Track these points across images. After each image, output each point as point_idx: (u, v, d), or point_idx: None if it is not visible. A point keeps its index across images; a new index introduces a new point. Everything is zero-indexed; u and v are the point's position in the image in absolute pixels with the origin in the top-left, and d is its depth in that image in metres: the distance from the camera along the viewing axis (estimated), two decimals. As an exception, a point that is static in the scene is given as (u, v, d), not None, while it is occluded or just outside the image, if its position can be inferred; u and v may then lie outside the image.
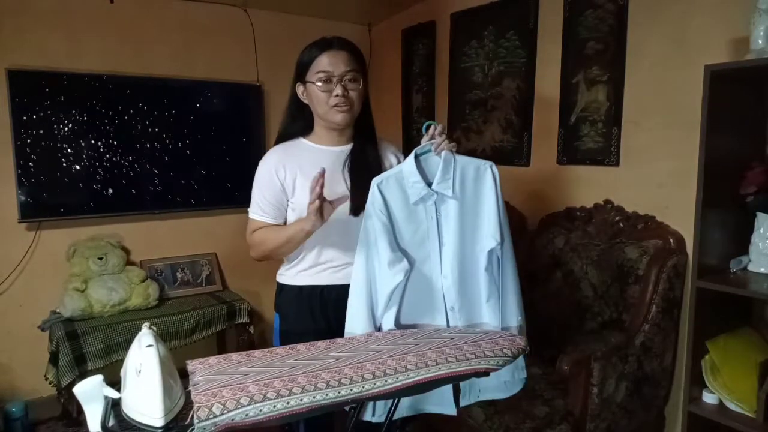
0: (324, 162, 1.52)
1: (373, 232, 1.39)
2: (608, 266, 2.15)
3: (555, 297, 2.34)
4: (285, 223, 1.57)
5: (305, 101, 1.55)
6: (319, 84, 1.47)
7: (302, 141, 1.58)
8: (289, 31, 3.30)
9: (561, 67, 2.47)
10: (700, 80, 1.67)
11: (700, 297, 1.73)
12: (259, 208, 1.55)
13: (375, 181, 1.41)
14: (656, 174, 2.14)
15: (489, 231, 1.41)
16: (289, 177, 1.51)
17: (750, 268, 1.78)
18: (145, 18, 2.96)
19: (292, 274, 1.58)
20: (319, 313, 1.55)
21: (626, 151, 2.25)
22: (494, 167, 1.44)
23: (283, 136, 1.60)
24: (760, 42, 1.63)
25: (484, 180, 1.43)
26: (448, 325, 1.45)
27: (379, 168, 1.56)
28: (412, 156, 1.42)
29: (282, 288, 1.61)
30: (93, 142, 2.81)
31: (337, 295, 1.51)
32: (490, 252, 1.40)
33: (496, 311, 1.42)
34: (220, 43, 3.19)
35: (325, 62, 1.47)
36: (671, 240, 2.04)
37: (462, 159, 1.44)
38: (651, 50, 2.14)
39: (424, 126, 1.46)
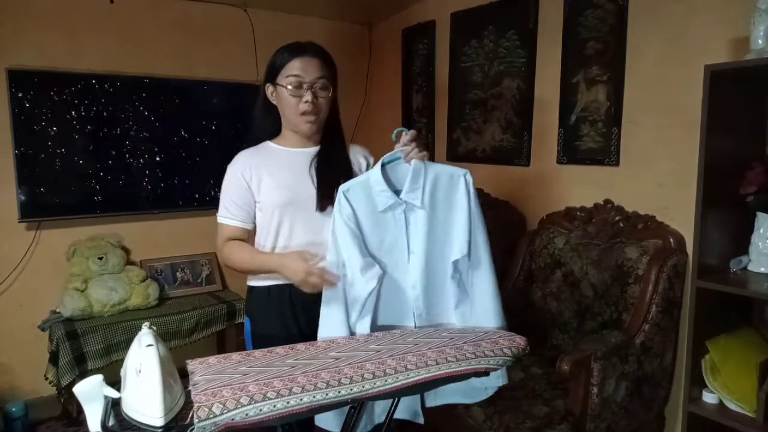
0: (291, 162, 1.53)
1: (343, 240, 1.36)
2: (608, 266, 2.15)
3: (555, 297, 2.35)
4: (254, 225, 1.57)
5: (274, 102, 1.56)
6: (290, 88, 1.48)
7: (269, 144, 1.59)
8: (289, 31, 3.23)
9: (561, 67, 2.47)
10: (699, 80, 1.67)
11: (700, 297, 1.73)
12: (227, 211, 1.55)
13: (341, 188, 1.39)
14: (656, 174, 2.14)
15: (457, 242, 1.38)
16: (255, 178, 1.52)
17: (750, 268, 1.78)
18: (145, 18, 2.96)
19: (261, 276, 1.56)
20: (290, 315, 1.53)
21: (626, 150, 2.25)
22: (468, 175, 1.40)
23: (251, 140, 1.60)
24: (760, 42, 1.62)
25: (457, 189, 1.39)
26: None
27: (347, 168, 1.56)
28: (378, 164, 1.39)
29: (251, 290, 1.61)
30: (93, 141, 2.81)
31: (305, 296, 1.48)
32: (455, 262, 1.38)
33: (467, 317, 1.42)
34: (220, 43, 3.19)
35: (297, 66, 1.47)
36: (671, 240, 2.04)
37: (436, 167, 1.40)
38: (651, 50, 2.14)
39: (394, 133, 1.43)
